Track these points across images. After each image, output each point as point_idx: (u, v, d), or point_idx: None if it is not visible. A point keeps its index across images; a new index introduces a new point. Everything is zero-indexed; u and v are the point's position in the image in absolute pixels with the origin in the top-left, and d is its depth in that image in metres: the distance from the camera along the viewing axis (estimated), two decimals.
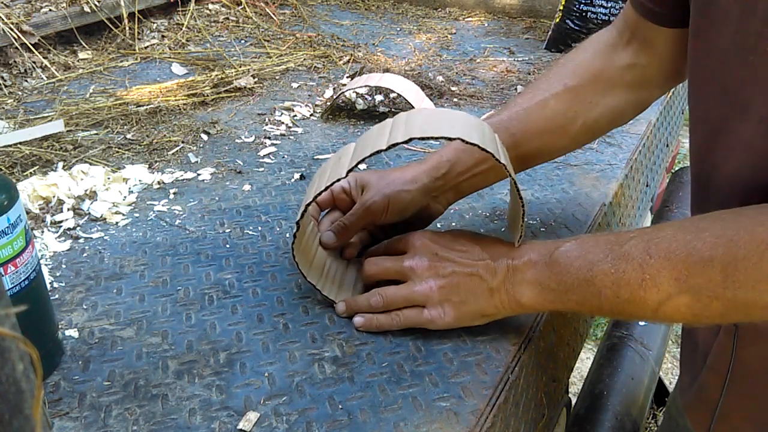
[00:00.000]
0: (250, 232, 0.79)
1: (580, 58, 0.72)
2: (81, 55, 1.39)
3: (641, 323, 1.23)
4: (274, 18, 1.69)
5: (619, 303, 0.51)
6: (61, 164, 0.92)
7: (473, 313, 0.60)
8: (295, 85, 1.28)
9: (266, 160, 0.98)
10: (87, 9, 1.39)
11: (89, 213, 0.82)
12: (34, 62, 1.28)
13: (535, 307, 0.58)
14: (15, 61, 1.27)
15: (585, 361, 1.87)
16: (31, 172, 0.90)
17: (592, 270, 0.52)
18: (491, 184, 0.75)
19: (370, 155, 0.56)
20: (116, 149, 0.99)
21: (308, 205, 0.61)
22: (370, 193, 0.70)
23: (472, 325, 0.61)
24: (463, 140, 0.54)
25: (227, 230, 0.79)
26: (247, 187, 0.89)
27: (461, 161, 0.70)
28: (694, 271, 0.47)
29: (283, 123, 1.11)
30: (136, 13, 1.50)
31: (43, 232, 0.78)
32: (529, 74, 1.35)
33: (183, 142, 1.01)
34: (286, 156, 0.99)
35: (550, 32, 1.51)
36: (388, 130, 0.58)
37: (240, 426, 0.51)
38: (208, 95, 1.19)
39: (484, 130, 0.58)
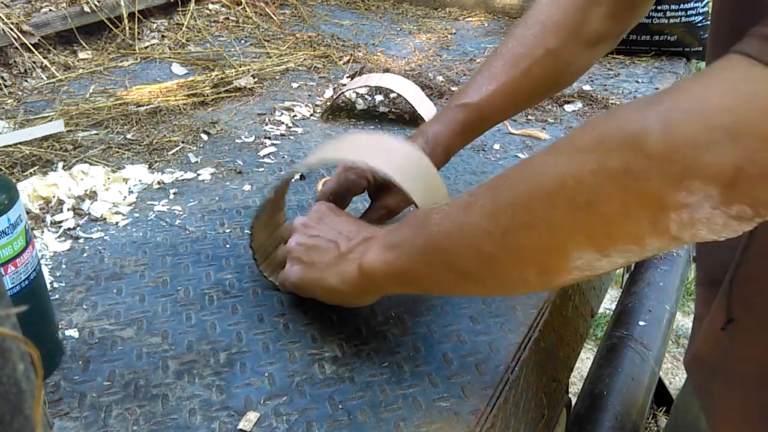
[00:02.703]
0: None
1: (556, 15, 0.70)
2: (81, 55, 1.39)
3: (641, 323, 1.23)
4: (274, 18, 1.69)
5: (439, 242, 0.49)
6: (61, 164, 0.92)
7: (316, 280, 0.57)
8: (295, 85, 1.28)
9: (266, 160, 0.98)
10: (87, 9, 1.39)
11: (89, 213, 0.82)
12: (34, 62, 1.28)
13: (373, 273, 0.53)
14: (15, 61, 1.27)
15: (585, 361, 1.87)
16: (31, 172, 0.90)
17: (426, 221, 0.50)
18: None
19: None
20: (116, 149, 0.99)
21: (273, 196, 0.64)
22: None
23: (314, 297, 0.60)
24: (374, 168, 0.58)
25: (227, 230, 0.79)
26: (247, 187, 0.89)
27: (442, 133, 0.72)
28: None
29: (283, 123, 1.11)
30: (136, 13, 1.50)
31: (43, 232, 0.78)
32: None
33: (183, 142, 1.01)
34: (286, 156, 0.99)
35: None
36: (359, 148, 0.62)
37: (240, 426, 0.51)
38: (208, 95, 1.19)
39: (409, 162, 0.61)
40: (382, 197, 0.72)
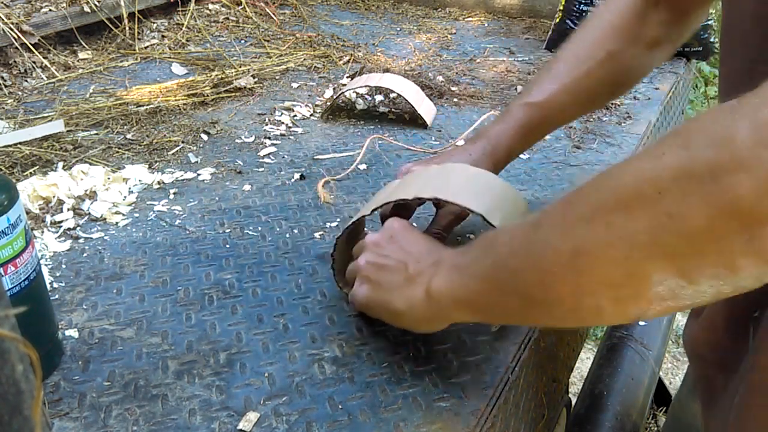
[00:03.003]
0: (250, 232, 0.79)
1: (615, 20, 0.71)
2: (81, 55, 1.39)
3: (641, 323, 1.23)
4: (274, 18, 1.69)
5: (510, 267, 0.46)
6: (61, 164, 0.92)
7: (383, 302, 0.56)
8: (295, 85, 1.28)
9: (266, 160, 0.98)
10: (87, 9, 1.39)
11: (89, 213, 0.82)
12: (34, 62, 1.28)
13: (441, 298, 0.51)
14: (15, 61, 1.27)
15: (585, 361, 1.87)
16: (31, 172, 0.90)
17: (494, 243, 0.48)
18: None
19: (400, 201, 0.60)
20: (116, 149, 0.99)
21: (352, 224, 0.64)
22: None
23: (381, 318, 0.58)
24: (483, 217, 0.57)
25: (227, 230, 0.79)
26: (247, 187, 0.89)
27: (501, 141, 0.72)
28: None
29: (283, 123, 1.11)
30: (136, 13, 1.50)
31: (43, 232, 0.78)
32: (529, 74, 1.35)
33: (183, 142, 1.01)
34: (286, 156, 0.99)
35: (550, 32, 1.51)
36: (430, 181, 0.62)
37: (240, 426, 0.51)
38: (208, 95, 1.19)
39: (508, 205, 0.61)
40: (446, 204, 0.71)
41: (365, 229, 0.72)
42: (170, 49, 1.46)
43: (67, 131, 1.04)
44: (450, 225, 0.71)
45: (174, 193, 0.87)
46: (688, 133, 0.35)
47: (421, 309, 0.52)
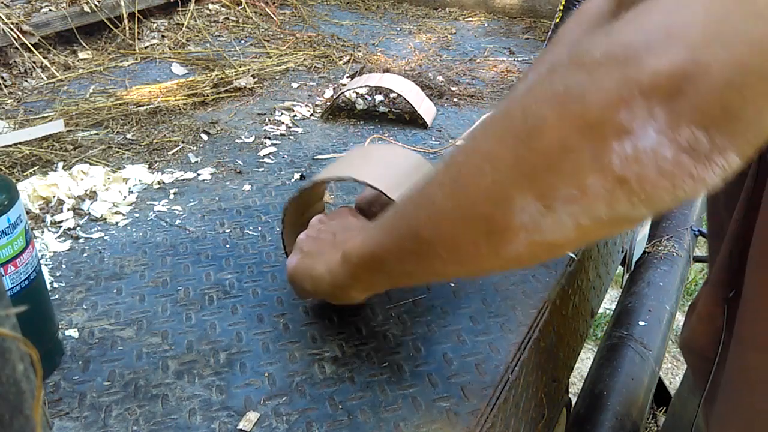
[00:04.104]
0: (250, 232, 0.79)
1: (602, 5, 0.71)
2: (81, 55, 1.39)
3: (641, 323, 1.23)
4: (274, 18, 1.69)
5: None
6: (61, 164, 0.92)
7: (307, 267, 0.56)
8: (295, 85, 1.28)
9: (266, 160, 0.98)
10: (87, 9, 1.39)
11: (89, 213, 0.82)
12: (34, 62, 1.28)
13: (351, 255, 0.51)
14: (15, 61, 1.27)
15: (585, 361, 1.87)
16: (31, 172, 0.90)
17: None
18: None
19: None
20: (116, 149, 0.99)
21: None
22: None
23: (305, 289, 0.58)
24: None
25: (227, 230, 0.79)
26: (247, 187, 0.89)
27: None
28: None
29: (283, 123, 1.11)
30: (136, 13, 1.50)
31: (43, 232, 0.78)
32: None
33: (183, 142, 1.01)
34: (286, 156, 0.99)
35: (550, 32, 1.51)
36: (353, 160, 0.65)
37: (240, 426, 0.51)
38: (208, 95, 1.19)
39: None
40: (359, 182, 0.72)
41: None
42: (170, 49, 1.46)
43: (67, 131, 1.04)
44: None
45: (174, 193, 0.87)
46: (556, 57, 0.36)
47: (336, 272, 0.53)
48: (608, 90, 0.31)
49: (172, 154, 0.98)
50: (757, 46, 0.29)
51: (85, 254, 0.74)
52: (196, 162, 0.96)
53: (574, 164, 0.33)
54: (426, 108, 1.11)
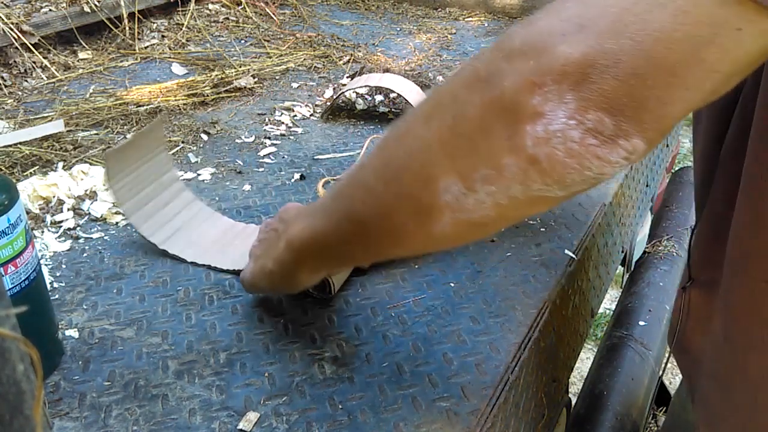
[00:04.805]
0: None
1: None
2: (81, 55, 1.39)
3: (641, 323, 1.23)
4: (274, 18, 1.69)
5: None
6: (61, 164, 0.92)
7: (260, 268, 0.57)
8: (295, 85, 1.28)
9: (266, 160, 0.98)
10: (87, 9, 1.39)
11: (89, 213, 0.82)
12: (34, 62, 1.28)
13: (293, 243, 0.53)
14: (15, 61, 1.27)
15: (585, 361, 1.87)
16: (31, 172, 0.90)
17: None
18: None
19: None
20: None
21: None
22: None
23: (265, 289, 0.60)
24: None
25: None
26: (247, 187, 0.89)
27: None
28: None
29: (283, 123, 1.11)
30: (136, 13, 1.50)
31: (43, 232, 0.78)
32: None
33: (183, 142, 1.01)
34: (286, 156, 0.99)
35: None
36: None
37: (240, 426, 0.51)
38: (208, 95, 1.19)
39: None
40: None
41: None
42: (170, 49, 1.46)
43: (67, 131, 1.04)
44: None
45: None
46: (487, 47, 0.38)
47: (284, 261, 0.54)
48: (523, 76, 0.33)
49: (172, 154, 0.98)
50: (662, 38, 0.31)
51: (85, 254, 0.74)
52: (196, 162, 0.96)
53: (492, 145, 0.35)
54: None
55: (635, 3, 0.31)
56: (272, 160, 0.98)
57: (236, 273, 0.69)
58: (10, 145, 0.97)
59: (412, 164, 0.40)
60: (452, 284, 0.69)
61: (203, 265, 0.71)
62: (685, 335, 0.64)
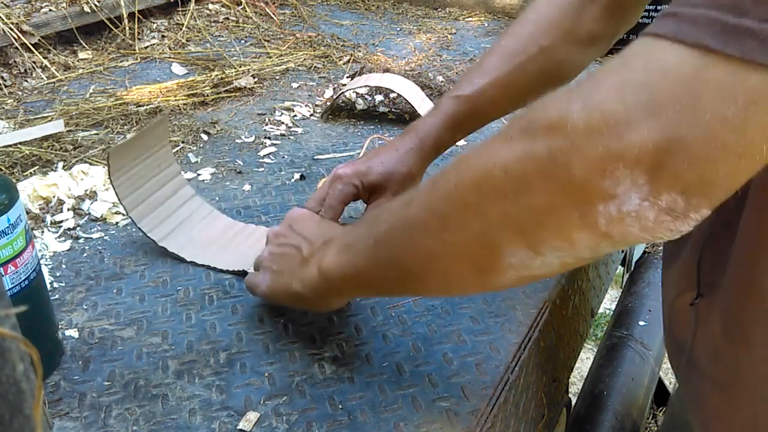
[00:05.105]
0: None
1: (550, 15, 0.71)
2: (81, 55, 1.39)
3: (641, 323, 1.23)
4: (274, 18, 1.69)
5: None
6: (61, 164, 0.92)
7: (283, 286, 0.57)
8: (295, 85, 1.28)
9: (266, 160, 0.98)
10: (87, 9, 1.39)
11: (89, 213, 0.82)
12: (34, 62, 1.28)
13: (331, 276, 0.52)
14: (15, 61, 1.27)
15: (585, 361, 1.87)
16: (31, 172, 0.90)
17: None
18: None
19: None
20: None
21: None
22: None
23: (288, 305, 0.60)
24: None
25: None
26: (247, 187, 0.89)
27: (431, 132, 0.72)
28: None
29: (283, 123, 1.11)
30: (136, 13, 1.50)
31: (43, 232, 0.78)
32: None
33: (183, 142, 1.01)
34: (286, 156, 0.99)
35: None
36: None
37: (240, 426, 0.51)
38: (208, 95, 1.19)
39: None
40: (374, 199, 0.72)
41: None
42: (170, 49, 1.46)
43: (67, 131, 1.04)
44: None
45: None
46: (532, 117, 0.37)
47: (316, 288, 0.54)
48: (593, 161, 0.33)
49: (172, 153, 0.98)
50: (734, 128, 0.31)
51: (85, 254, 0.74)
52: (196, 162, 0.96)
53: (562, 222, 0.36)
54: (426, 108, 1.11)
55: (702, 88, 0.32)
56: (272, 160, 0.98)
57: (236, 273, 0.69)
58: (10, 145, 0.97)
59: (472, 230, 0.40)
60: None
61: (202, 265, 0.70)
62: (685, 338, 0.63)
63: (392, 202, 0.50)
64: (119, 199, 0.69)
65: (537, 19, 0.72)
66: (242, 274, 0.69)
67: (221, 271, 0.70)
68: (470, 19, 1.77)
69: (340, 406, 0.54)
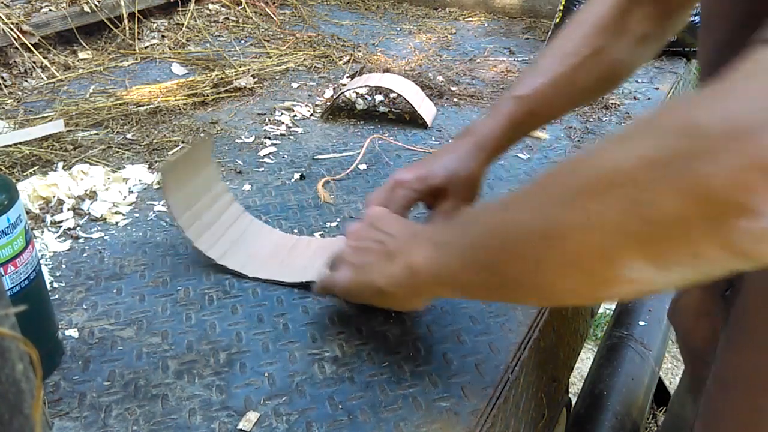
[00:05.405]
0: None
1: (602, 16, 0.72)
2: (81, 55, 1.39)
3: (641, 323, 1.23)
4: (274, 18, 1.69)
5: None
6: (61, 164, 0.92)
7: (366, 282, 0.56)
8: (295, 85, 1.28)
9: (266, 160, 0.98)
10: (87, 9, 1.39)
11: (89, 213, 0.82)
12: (34, 62, 1.28)
13: (420, 272, 0.51)
14: (15, 61, 1.27)
15: (585, 361, 1.87)
16: (31, 172, 0.90)
17: (478, 218, 0.49)
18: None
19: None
20: (116, 149, 0.99)
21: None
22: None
23: (368, 302, 0.58)
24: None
25: None
26: (247, 187, 0.89)
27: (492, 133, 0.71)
28: None
29: (283, 123, 1.11)
30: (136, 13, 1.50)
31: (43, 232, 0.78)
32: None
33: (183, 142, 1.01)
34: (286, 156, 0.99)
35: (550, 32, 1.51)
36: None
37: (240, 426, 0.51)
38: (208, 95, 1.19)
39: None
40: (439, 204, 0.71)
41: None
42: (170, 49, 1.46)
43: (67, 131, 1.04)
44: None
45: None
46: (660, 121, 0.35)
47: (402, 284, 0.53)
48: (732, 171, 0.31)
49: (172, 154, 0.98)
50: None
51: (85, 254, 0.74)
52: None
53: (692, 236, 0.33)
54: (426, 108, 1.11)
55: None
56: (272, 160, 0.98)
57: (301, 286, 0.68)
58: (10, 145, 0.97)
59: (589, 241, 0.38)
60: None
61: (266, 280, 0.69)
62: (698, 335, 0.63)
63: (489, 203, 0.49)
64: (173, 218, 0.67)
65: (589, 20, 0.72)
66: (306, 286, 0.67)
67: (287, 284, 0.68)
68: (470, 19, 1.77)
69: (340, 406, 0.54)
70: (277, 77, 1.32)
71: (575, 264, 0.39)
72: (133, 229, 0.79)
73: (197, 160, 0.71)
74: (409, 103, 1.07)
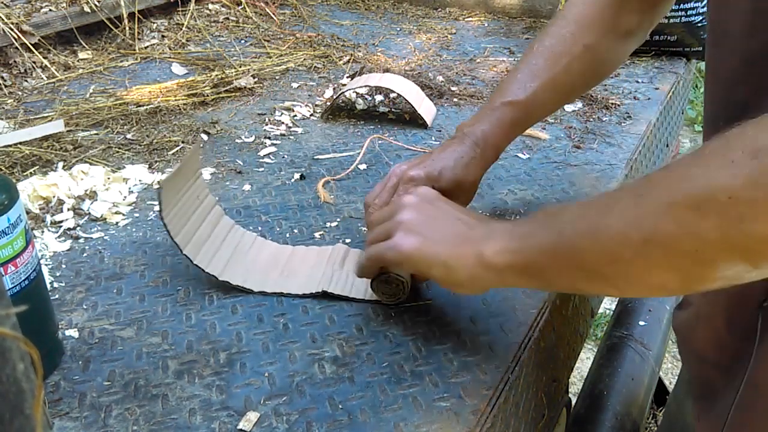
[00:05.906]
0: (250, 232, 0.78)
1: (590, 12, 0.72)
2: (81, 55, 1.39)
3: (641, 323, 1.24)
4: (274, 18, 1.69)
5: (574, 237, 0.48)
6: (61, 164, 0.92)
7: (432, 254, 0.55)
8: (295, 85, 1.28)
9: (266, 160, 0.98)
10: (87, 9, 1.39)
11: (89, 213, 0.82)
12: (34, 62, 1.28)
13: (496, 262, 0.52)
14: (15, 61, 1.27)
15: (585, 361, 1.87)
16: (31, 172, 0.90)
17: (559, 212, 0.51)
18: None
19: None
20: (116, 149, 0.99)
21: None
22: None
23: (425, 272, 0.57)
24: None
25: None
26: (247, 187, 0.89)
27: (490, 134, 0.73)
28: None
29: (283, 123, 1.11)
30: (136, 13, 1.50)
31: (43, 232, 0.78)
32: None
33: (183, 142, 1.01)
34: (286, 156, 0.99)
35: None
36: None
37: (240, 426, 0.51)
38: (208, 95, 1.19)
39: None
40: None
41: None
42: (170, 49, 1.46)
43: (67, 131, 1.04)
44: None
45: None
46: (756, 140, 0.37)
47: (474, 271, 0.53)
48: None
49: (172, 154, 0.98)
50: None
51: (85, 254, 0.74)
52: None
53: None
54: (426, 108, 1.11)
55: None
56: (272, 160, 0.98)
57: (313, 297, 0.67)
58: (10, 145, 0.97)
59: (685, 246, 0.40)
60: None
61: (273, 293, 0.67)
62: (698, 337, 0.63)
63: (571, 206, 0.50)
64: (171, 237, 0.66)
65: (577, 17, 0.72)
66: (320, 295, 0.67)
67: (296, 296, 0.67)
68: (470, 19, 1.77)
69: (340, 406, 0.54)
70: (277, 77, 1.32)
71: (670, 267, 0.42)
72: (133, 229, 0.79)
73: (188, 173, 0.70)
74: (409, 103, 1.07)
